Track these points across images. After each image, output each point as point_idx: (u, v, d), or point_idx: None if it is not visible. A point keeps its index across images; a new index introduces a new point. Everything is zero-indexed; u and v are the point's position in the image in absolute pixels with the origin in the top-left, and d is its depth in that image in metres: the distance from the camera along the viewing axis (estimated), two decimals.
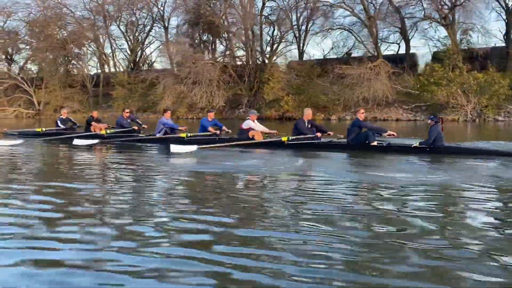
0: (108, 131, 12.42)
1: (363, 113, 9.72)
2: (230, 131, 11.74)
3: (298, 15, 35.61)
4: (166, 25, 45.11)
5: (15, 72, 46.69)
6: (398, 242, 3.34)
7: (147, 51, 47.36)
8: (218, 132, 11.27)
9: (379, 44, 31.45)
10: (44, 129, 14.08)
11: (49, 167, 8.11)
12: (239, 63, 35.11)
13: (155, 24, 45.21)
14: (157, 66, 46.48)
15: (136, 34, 45.65)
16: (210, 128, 11.25)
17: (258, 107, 30.72)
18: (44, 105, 44.11)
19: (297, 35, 35.94)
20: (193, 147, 9.03)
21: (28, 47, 48.01)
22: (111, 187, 5.81)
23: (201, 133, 11.20)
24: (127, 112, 13.01)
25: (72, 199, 5.03)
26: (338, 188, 5.48)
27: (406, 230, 3.68)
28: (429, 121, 8.89)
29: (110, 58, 45.35)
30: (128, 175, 6.91)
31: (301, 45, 36.18)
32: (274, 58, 34.29)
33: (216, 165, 7.72)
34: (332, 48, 36.00)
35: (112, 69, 46.46)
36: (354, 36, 32.38)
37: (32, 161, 8.80)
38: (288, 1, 34.56)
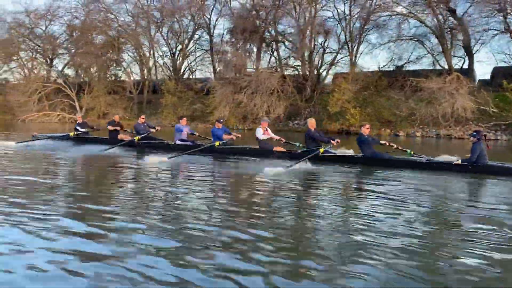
0: (137, 138, 12.83)
1: (368, 128, 9.69)
2: (239, 135, 12.23)
3: (353, 24, 34.12)
4: (212, 32, 44.28)
5: (58, 76, 46.01)
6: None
7: (189, 58, 46.07)
8: (233, 137, 11.64)
9: (446, 57, 29.62)
10: (74, 133, 14.41)
11: (86, 171, 8.77)
12: (295, 72, 33.59)
13: (197, 32, 44.32)
14: (199, 74, 45.62)
15: (179, 41, 44.71)
16: (225, 136, 11.54)
17: (319, 120, 29.08)
18: (86, 110, 43.17)
19: (349, 45, 34.44)
20: (282, 169, 8.58)
21: (69, 51, 47.38)
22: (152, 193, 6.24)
23: (226, 142, 11.47)
24: (142, 118, 13.67)
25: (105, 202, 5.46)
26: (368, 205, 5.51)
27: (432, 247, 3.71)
28: (471, 138, 8.53)
29: (156, 65, 44.45)
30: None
31: (354, 57, 34.63)
32: (330, 68, 32.75)
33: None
34: (390, 60, 34.18)
35: (153, 77, 45.63)
36: (426, 48, 30.51)
37: (103, 169, 9.25)
38: (347, 11, 33.10)
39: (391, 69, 32.79)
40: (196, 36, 44.43)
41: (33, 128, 24.04)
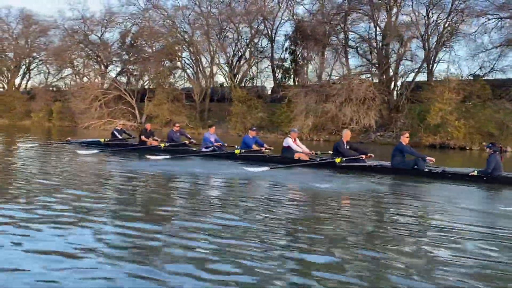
0: (163, 145, 12.72)
1: (407, 137, 9.46)
2: (272, 148, 11.95)
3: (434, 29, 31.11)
4: (273, 39, 42.16)
5: (118, 83, 44.78)
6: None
7: (247, 65, 43.90)
8: (262, 149, 11.46)
9: None
10: (106, 139, 14.31)
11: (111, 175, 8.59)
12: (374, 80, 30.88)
13: (256, 38, 42.21)
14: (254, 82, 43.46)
15: (238, 48, 42.77)
16: (254, 146, 11.44)
17: (413, 132, 26.28)
18: (146, 118, 41.70)
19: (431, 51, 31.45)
20: (265, 168, 8.95)
21: (128, 58, 46.11)
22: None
23: (251, 150, 11.34)
24: (177, 127, 13.46)
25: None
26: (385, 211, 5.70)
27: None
28: (487, 150, 8.55)
29: (216, 72, 42.68)
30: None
31: (431, 64, 31.64)
32: (416, 76, 29.83)
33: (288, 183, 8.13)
34: (480, 68, 30.96)
35: (211, 84, 43.77)
36: None
37: (101, 168, 9.41)
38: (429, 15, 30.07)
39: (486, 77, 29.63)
40: (257, 43, 42.40)
41: (97, 135, 22.79)
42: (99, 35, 49.90)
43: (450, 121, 24.27)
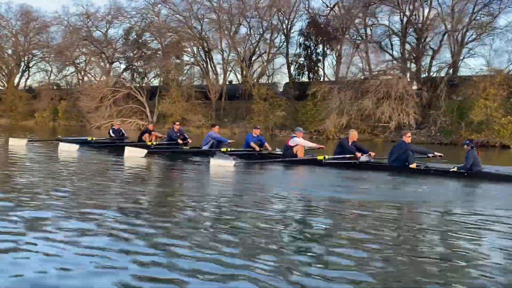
0: (154, 143, 13.00)
1: (409, 136, 9.63)
2: (270, 148, 11.81)
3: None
4: (288, 34, 40.58)
5: (128, 81, 42.94)
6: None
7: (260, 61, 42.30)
8: (258, 148, 11.43)
9: None
10: (94, 138, 14.58)
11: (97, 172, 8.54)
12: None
13: (269, 34, 40.59)
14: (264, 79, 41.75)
15: (252, 44, 41.12)
16: (252, 144, 11.43)
17: (452, 130, 25.04)
18: (158, 116, 39.97)
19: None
20: (231, 162, 9.34)
21: (140, 54, 44.21)
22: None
23: (242, 149, 11.52)
24: (177, 125, 13.60)
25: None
26: (369, 207, 5.59)
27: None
28: (465, 146, 8.86)
29: (229, 69, 40.97)
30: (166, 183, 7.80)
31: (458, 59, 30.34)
32: (449, 70, 28.49)
33: (252, 180, 8.29)
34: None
35: (221, 81, 42.13)
36: None
37: (85, 165, 9.65)
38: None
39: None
40: (274, 39, 40.78)
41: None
42: (104, 31, 48.11)
43: (495, 118, 22.99)
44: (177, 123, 13.92)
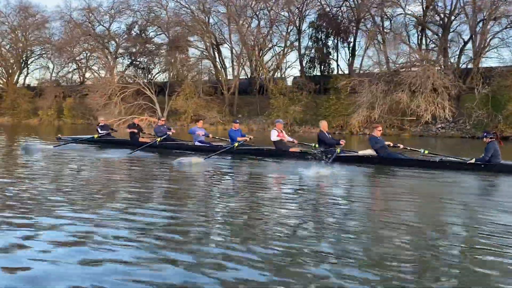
0: (159, 139, 12.73)
1: (380, 130, 9.73)
2: (252, 137, 12.09)
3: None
4: (300, 27, 39.26)
5: (137, 76, 41.34)
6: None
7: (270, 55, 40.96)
8: (247, 139, 11.60)
9: None
10: (97, 136, 14.22)
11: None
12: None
13: (277, 26, 39.24)
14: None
15: (262, 37, 39.69)
16: (239, 138, 11.51)
17: (487, 123, 23.91)
18: (168, 113, 38.56)
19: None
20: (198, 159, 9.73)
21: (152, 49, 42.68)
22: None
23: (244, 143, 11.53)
24: (162, 120, 13.99)
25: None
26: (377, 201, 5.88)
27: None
28: (484, 139, 8.45)
29: (238, 63, 39.50)
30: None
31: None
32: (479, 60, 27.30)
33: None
34: None
35: (230, 76, 40.83)
36: None
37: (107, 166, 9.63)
38: None
39: None
40: (289, 31, 39.42)
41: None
42: (107, 26, 46.50)
43: None
44: (163, 118, 14.22)
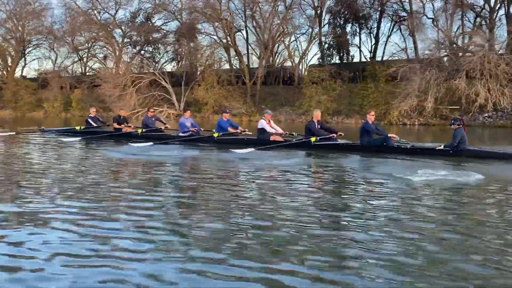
0: (140, 131, 12.40)
1: (373, 115, 9.54)
2: (246, 130, 11.83)
3: None
4: (319, 11, 37.44)
5: (151, 66, 39.02)
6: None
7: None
8: (238, 131, 11.35)
9: None
10: (82, 127, 13.75)
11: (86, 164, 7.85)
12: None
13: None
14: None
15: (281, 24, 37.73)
16: (229, 129, 11.32)
17: None
18: (185, 104, 36.45)
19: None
20: (250, 149, 9.06)
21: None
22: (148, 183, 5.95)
23: (227, 133, 11.21)
24: (151, 112, 13.32)
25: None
26: (358, 188, 5.78)
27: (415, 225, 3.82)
28: (452, 126, 8.81)
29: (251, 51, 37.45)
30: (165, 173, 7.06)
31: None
32: None
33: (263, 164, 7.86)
34: None
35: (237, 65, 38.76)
36: None
37: (75, 157, 9.00)
38: None
39: None
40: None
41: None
42: (113, 14, 44.00)
43: None
44: (151, 110, 13.69)
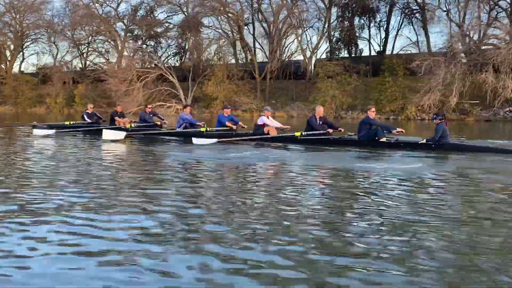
0: (132, 125, 12.34)
1: (373, 111, 9.58)
2: (246, 126, 11.87)
3: None
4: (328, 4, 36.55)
5: (156, 61, 37.91)
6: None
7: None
8: (234, 127, 11.32)
9: None
10: (71, 123, 13.94)
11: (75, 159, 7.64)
12: None
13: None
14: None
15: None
16: (227, 123, 11.33)
17: None
18: (193, 99, 35.52)
19: None
20: (213, 140, 9.70)
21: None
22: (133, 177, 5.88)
23: (219, 128, 11.32)
24: (149, 108, 13.24)
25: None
26: (346, 180, 5.84)
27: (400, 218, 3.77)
28: (434, 120, 9.09)
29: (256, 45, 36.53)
30: (150, 166, 7.08)
31: None
32: None
33: (231, 156, 7.93)
34: None
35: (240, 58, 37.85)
36: None
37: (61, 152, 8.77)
38: None
39: None
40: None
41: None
42: (115, 6, 42.82)
43: None
44: (149, 106, 13.74)
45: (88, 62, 45.73)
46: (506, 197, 4.76)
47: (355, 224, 3.57)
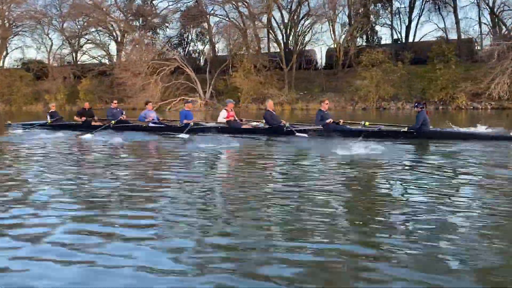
0: (114, 122, 11.63)
1: (327, 103, 9.79)
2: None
3: None
4: None
5: (171, 53, 34.66)
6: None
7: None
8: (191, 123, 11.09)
9: None
10: (51, 121, 13.04)
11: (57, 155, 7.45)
12: None
13: None
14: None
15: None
16: (185, 121, 11.08)
17: None
18: (211, 93, 32.74)
19: None
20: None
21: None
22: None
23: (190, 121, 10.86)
24: (115, 103, 13.14)
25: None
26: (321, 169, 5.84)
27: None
28: (415, 109, 9.26)
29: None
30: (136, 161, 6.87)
31: None
32: None
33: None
34: None
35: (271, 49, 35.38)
36: None
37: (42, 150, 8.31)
38: None
39: None
40: None
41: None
42: None
43: None
44: (115, 101, 13.70)
45: (87, 57, 42.21)
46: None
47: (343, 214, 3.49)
